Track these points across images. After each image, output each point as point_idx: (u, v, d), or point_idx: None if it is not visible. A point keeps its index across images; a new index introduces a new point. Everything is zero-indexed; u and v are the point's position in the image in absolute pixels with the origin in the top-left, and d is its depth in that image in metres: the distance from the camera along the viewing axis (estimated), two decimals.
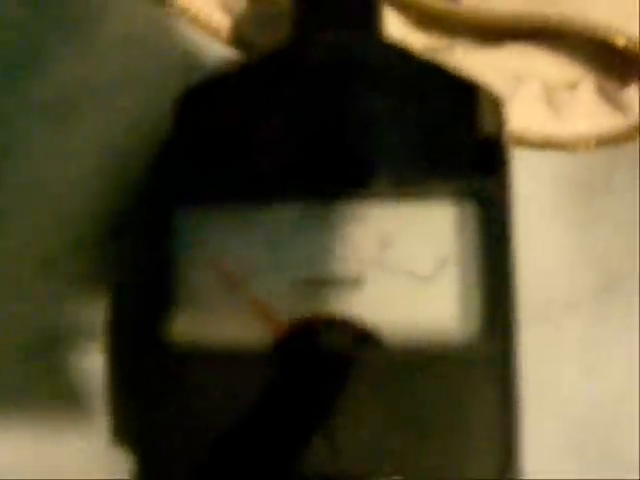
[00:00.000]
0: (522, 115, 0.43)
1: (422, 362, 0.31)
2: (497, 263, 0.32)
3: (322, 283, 0.32)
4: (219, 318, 0.33)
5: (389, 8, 0.42)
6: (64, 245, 0.39)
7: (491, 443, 0.31)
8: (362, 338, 0.32)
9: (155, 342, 0.32)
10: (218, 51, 0.42)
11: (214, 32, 0.43)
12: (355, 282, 0.32)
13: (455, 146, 0.33)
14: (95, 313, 0.39)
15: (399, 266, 0.32)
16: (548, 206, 0.42)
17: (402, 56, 0.36)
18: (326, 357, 0.32)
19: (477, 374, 0.31)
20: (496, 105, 0.36)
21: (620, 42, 0.41)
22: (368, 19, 0.37)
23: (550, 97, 0.44)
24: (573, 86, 0.44)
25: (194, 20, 0.43)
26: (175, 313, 0.33)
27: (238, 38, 0.43)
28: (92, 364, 0.38)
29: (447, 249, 0.33)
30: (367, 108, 0.33)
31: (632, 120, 0.42)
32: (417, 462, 0.31)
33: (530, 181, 0.42)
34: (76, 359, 0.39)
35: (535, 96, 0.44)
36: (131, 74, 0.41)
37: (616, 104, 0.43)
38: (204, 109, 0.35)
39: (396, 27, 0.43)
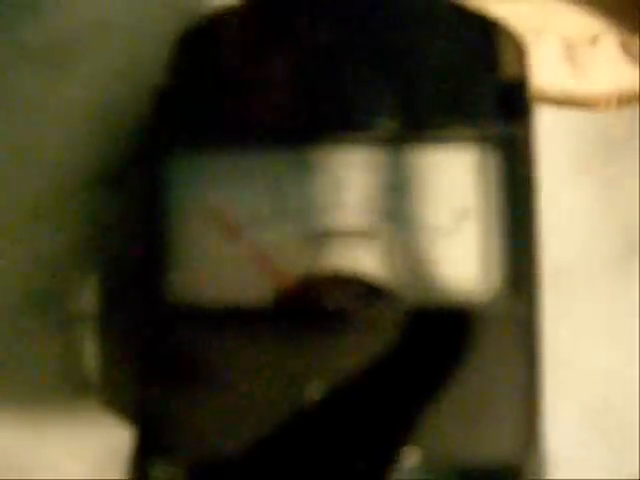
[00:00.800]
0: (541, 71, 0.40)
1: (439, 323, 0.29)
2: (521, 215, 0.29)
3: (329, 235, 0.30)
4: (219, 272, 0.30)
5: None
6: (54, 195, 0.37)
7: (514, 410, 0.29)
8: (373, 296, 0.29)
9: (151, 300, 0.30)
10: None
11: None
12: (365, 235, 0.30)
13: (476, 87, 0.30)
14: (86, 267, 0.36)
15: (413, 217, 0.30)
16: (568, 165, 0.40)
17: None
18: (333, 316, 0.29)
19: (499, 335, 0.29)
20: (519, 48, 0.33)
21: None
22: None
23: (570, 53, 0.42)
24: (594, 41, 0.42)
25: None
26: (171, 268, 0.30)
27: None
28: (84, 322, 0.36)
29: (467, 199, 0.30)
30: (379, 44, 0.31)
31: None
32: (436, 431, 0.28)
33: (549, 140, 0.39)
34: (67, 317, 0.36)
35: (555, 51, 0.41)
36: (127, 17, 0.39)
37: (638, 60, 0.40)
38: (202, 51, 0.32)
39: None
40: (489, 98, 0.30)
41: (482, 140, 0.30)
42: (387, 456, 0.28)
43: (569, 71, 0.41)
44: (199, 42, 0.33)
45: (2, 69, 0.38)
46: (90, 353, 0.36)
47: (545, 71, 0.40)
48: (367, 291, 0.29)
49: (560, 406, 0.36)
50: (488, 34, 0.32)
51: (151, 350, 0.30)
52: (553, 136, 0.40)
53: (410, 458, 0.28)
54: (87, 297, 0.36)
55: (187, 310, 0.29)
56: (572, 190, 0.39)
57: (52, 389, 0.35)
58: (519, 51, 0.33)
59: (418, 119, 0.30)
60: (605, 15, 0.42)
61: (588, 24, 0.42)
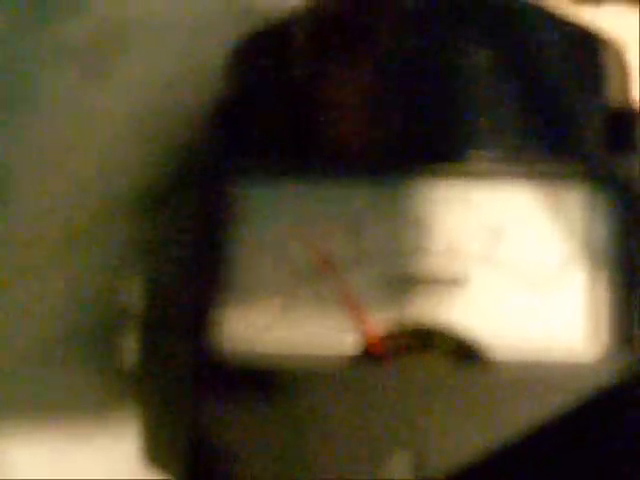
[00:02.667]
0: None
1: (536, 385, 0.25)
2: (634, 264, 0.26)
3: (417, 282, 0.26)
4: (289, 318, 0.26)
5: None
6: (92, 216, 0.33)
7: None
8: (465, 352, 0.26)
9: (203, 348, 0.26)
10: None
11: None
12: (458, 282, 0.26)
13: (582, 114, 0.27)
14: (129, 297, 0.32)
15: (512, 264, 0.26)
16: None
17: (512, 4, 0.29)
18: (424, 373, 0.25)
19: (605, 400, 0.25)
20: (625, 66, 0.29)
21: None
22: None
23: None
24: None
25: None
26: (231, 308, 0.27)
27: None
28: (129, 356, 0.32)
29: (573, 245, 0.26)
30: (471, 64, 0.27)
31: None
32: None
33: None
34: (111, 348, 0.32)
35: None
36: (175, 17, 0.35)
37: None
38: (266, 60, 0.29)
39: None
40: (596, 127, 0.27)
41: (591, 177, 0.26)
42: None
43: None
44: (262, 49, 0.29)
45: (33, 67, 0.34)
46: (130, 395, 0.32)
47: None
48: (457, 348, 0.26)
49: None
50: (593, 50, 0.28)
51: (199, 403, 0.26)
52: None
53: None
54: (127, 330, 0.32)
55: (245, 363, 0.26)
56: None
57: (90, 427, 0.32)
58: (625, 70, 0.29)
59: (517, 151, 0.26)
60: None
61: None
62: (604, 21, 0.38)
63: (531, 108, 0.26)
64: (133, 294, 0.32)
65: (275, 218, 0.27)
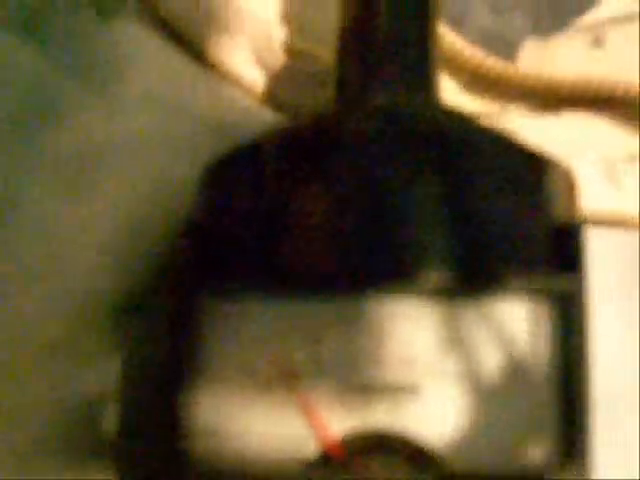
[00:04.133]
0: (583, 189, 0.39)
1: None
2: (575, 373, 0.28)
3: (373, 390, 0.28)
4: (253, 427, 0.28)
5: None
6: (73, 324, 0.34)
7: None
8: (418, 460, 0.27)
9: (172, 453, 0.28)
10: (253, 112, 0.38)
11: (248, 89, 0.39)
12: (411, 391, 0.28)
13: (528, 233, 0.29)
14: (108, 402, 0.34)
15: (461, 374, 0.28)
16: (609, 290, 0.38)
17: (462, 124, 0.31)
18: (380, 477, 0.27)
19: None
20: (570, 182, 0.31)
21: None
22: (422, 81, 0.33)
23: (609, 170, 0.40)
24: (633, 160, 0.41)
25: (227, 76, 0.39)
26: (199, 418, 0.28)
27: (274, 96, 0.39)
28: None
29: (519, 356, 0.28)
30: (424, 187, 0.29)
31: None
32: None
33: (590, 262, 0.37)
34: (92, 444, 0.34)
35: (594, 169, 0.40)
36: (152, 133, 0.37)
37: None
38: (234, 183, 0.31)
39: (445, 90, 0.39)
40: (543, 244, 0.29)
41: (535, 292, 0.28)
42: None
43: (609, 188, 0.40)
44: (231, 173, 0.31)
45: (18, 182, 0.36)
46: None
47: (585, 189, 0.38)
48: (413, 454, 0.27)
49: None
50: (538, 169, 0.30)
51: None
52: (595, 257, 0.38)
53: None
54: (107, 433, 0.34)
55: (211, 469, 0.27)
56: (615, 316, 0.37)
57: None
58: (571, 187, 0.31)
59: (468, 269, 0.28)
60: None
61: (628, 140, 0.41)
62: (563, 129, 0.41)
63: (477, 229, 0.28)
64: (110, 400, 0.34)
65: (240, 331, 0.29)
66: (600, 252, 0.36)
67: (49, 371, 0.34)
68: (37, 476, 0.33)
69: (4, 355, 0.34)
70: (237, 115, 0.37)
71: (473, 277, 0.28)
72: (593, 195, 0.39)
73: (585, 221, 0.35)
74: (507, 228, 0.28)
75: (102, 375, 0.34)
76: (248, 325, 0.29)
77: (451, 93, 0.39)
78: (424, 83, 0.33)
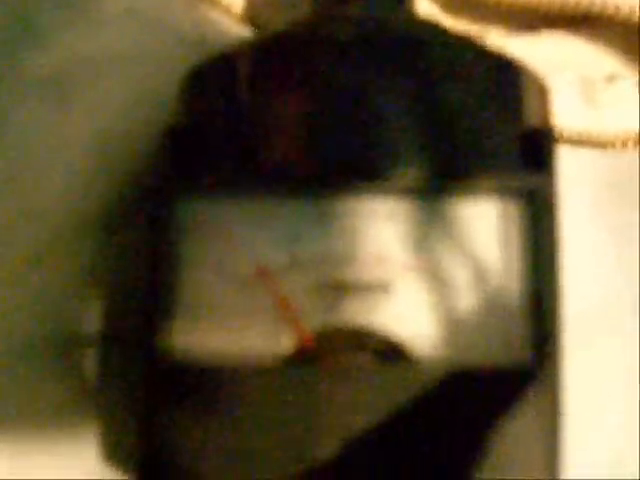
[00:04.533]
0: (557, 108, 0.39)
1: (456, 383, 0.27)
2: (544, 271, 0.28)
3: (347, 287, 0.28)
4: (230, 324, 0.29)
5: None
6: (55, 234, 0.35)
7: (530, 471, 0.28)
8: (390, 353, 0.28)
9: (153, 353, 0.28)
10: (232, 31, 0.38)
11: (226, 8, 0.39)
12: (384, 288, 0.28)
13: (498, 135, 0.29)
14: (88, 313, 0.35)
15: (433, 272, 0.28)
16: (583, 209, 0.38)
17: (436, 33, 0.32)
18: (349, 373, 0.28)
19: (518, 400, 0.28)
20: (542, 90, 0.32)
21: None
22: None
23: (588, 91, 0.41)
24: (611, 80, 0.41)
25: None
26: (177, 318, 0.29)
27: (252, 14, 0.39)
28: (88, 368, 0.34)
29: (488, 254, 0.29)
30: (397, 91, 0.29)
31: None
32: None
33: (565, 181, 0.38)
34: (71, 360, 0.34)
35: (573, 89, 0.41)
36: (132, 50, 0.37)
37: None
38: (213, 89, 0.31)
39: (423, 12, 0.39)
40: (513, 146, 0.29)
41: (505, 192, 0.29)
42: None
43: (585, 109, 0.41)
44: (210, 79, 0.31)
45: (5, 99, 0.36)
46: (89, 403, 0.34)
47: (562, 109, 0.39)
48: (384, 348, 0.28)
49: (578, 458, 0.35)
50: (511, 75, 0.31)
51: (153, 407, 0.28)
52: (568, 177, 0.39)
53: None
54: (86, 343, 0.34)
55: (191, 365, 0.28)
56: (589, 234, 0.38)
57: (51, 434, 0.34)
58: (543, 94, 0.32)
59: (440, 169, 0.28)
60: (623, 54, 0.41)
61: (606, 63, 0.41)
62: (541, 49, 0.41)
63: (450, 130, 0.29)
64: (92, 308, 0.34)
65: (218, 232, 0.29)
66: (574, 172, 0.37)
67: (28, 283, 0.35)
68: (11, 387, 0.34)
69: None
70: (216, 33, 0.38)
71: (445, 176, 0.28)
72: (570, 114, 0.40)
73: (557, 130, 0.35)
74: (478, 130, 0.29)
75: (79, 291, 0.35)
76: (226, 226, 0.29)
77: (430, 16, 0.40)
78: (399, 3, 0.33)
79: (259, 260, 0.29)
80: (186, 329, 0.28)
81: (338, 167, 0.28)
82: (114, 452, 0.33)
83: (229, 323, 0.29)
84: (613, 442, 0.35)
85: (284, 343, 0.28)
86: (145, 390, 0.29)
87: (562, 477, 0.28)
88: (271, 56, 0.31)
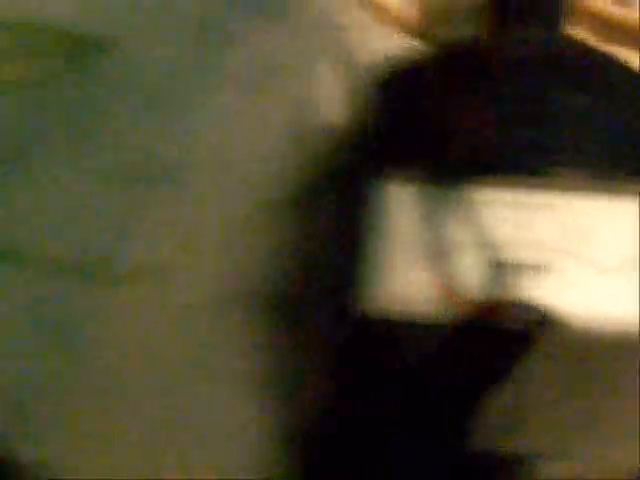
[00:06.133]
0: None
1: (600, 350, 0.33)
2: None
3: (510, 267, 0.34)
4: (410, 292, 0.35)
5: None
6: (253, 207, 0.41)
7: None
8: (547, 321, 0.34)
9: (346, 311, 0.35)
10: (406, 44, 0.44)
11: (403, 24, 0.45)
12: (541, 269, 0.34)
13: None
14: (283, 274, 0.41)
15: (584, 257, 0.34)
16: None
17: (592, 53, 0.38)
18: (509, 336, 0.33)
19: None
20: None
21: None
22: (557, 19, 0.39)
23: None
24: None
25: (381, 11, 0.45)
26: (367, 285, 0.35)
27: (425, 31, 0.45)
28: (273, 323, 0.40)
29: (632, 245, 0.34)
30: (562, 103, 0.35)
31: None
32: (587, 446, 0.33)
33: None
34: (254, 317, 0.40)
35: None
36: (319, 55, 0.43)
37: None
38: (400, 92, 0.38)
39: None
40: None
41: None
42: None
43: None
44: (402, 84, 0.38)
45: (210, 92, 0.43)
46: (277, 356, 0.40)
47: None
48: (542, 317, 0.34)
49: None
50: None
51: (341, 354, 0.35)
52: None
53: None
54: (276, 301, 0.40)
55: (378, 320, 0.34)
56: None
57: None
58: None
59: (595, 171, 0.34)
60: None
61: None
62: None
63: (607, 139, 0.35)
64: (287, 274, 0.40)
65: (401, 215, 0.35)
66: None
67: (230, 248, 0.41)
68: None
69: (192, 229, 0.41)
70: (394, 46, 0.44)
71: (597, 177, 0.34)
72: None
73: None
74: (625, 139, 0.35)
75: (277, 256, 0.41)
76: (410, 209, 0.35)
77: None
78: (558, 20, 0.39)
79: (441, 236, 0.35)
80: (376, 290, 0.35)
81: (509, 164, 0.35)
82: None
83: (410, 290, 0.35)
84: None
85: (451, 309, 0.34)
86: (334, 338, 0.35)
87: None
88: (451, 69, 0.37)
